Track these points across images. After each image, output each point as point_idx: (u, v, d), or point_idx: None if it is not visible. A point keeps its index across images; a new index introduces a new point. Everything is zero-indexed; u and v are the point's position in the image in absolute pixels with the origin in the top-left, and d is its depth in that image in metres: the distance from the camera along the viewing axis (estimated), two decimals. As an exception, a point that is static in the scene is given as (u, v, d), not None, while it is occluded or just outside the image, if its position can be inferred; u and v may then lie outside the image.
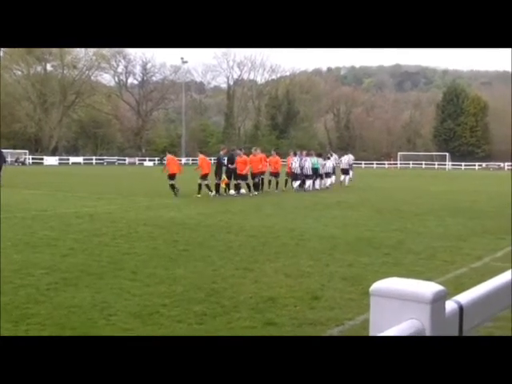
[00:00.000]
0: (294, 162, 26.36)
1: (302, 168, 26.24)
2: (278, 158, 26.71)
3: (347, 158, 31.62)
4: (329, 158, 30.01)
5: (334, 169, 29.35)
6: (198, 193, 21.95)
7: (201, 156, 23.72)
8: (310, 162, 26.62)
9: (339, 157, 33.07)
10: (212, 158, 25.22)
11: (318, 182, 27.63)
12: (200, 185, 22.16)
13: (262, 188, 24.32)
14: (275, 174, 26.04)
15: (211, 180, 22.63)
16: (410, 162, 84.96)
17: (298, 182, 26.22)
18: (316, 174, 27.24)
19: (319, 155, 29.59)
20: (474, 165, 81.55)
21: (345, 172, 31.03)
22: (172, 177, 22.37)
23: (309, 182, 26.65)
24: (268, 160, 25.89)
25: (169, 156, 23.61)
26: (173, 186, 22.04)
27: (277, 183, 25.96)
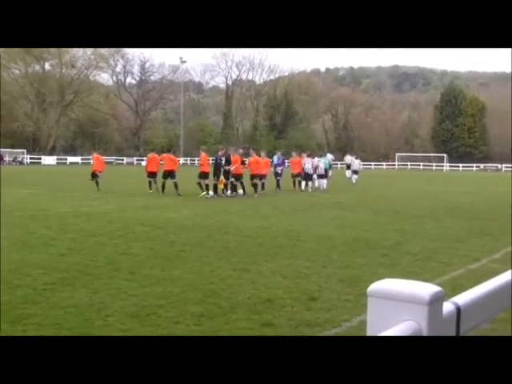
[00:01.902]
0: (308, 163, 27.45)
1: (315, 168, 27.69)
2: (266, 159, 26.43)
3: (358, 161, 37.98)
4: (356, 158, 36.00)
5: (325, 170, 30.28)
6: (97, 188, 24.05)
7: (95, 155, 26.60)
8: (323, 163, 28.40)
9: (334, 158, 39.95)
10: (211, 158, 25.18)
11: (324, 181, 28.63)
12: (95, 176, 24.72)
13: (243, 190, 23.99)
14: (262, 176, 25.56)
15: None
16: (408, 163, 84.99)
17: (310, 183, 27.47)
18: (327, 174, 28.92)
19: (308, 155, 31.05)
20: (472, 166, 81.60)
21: (355, 172, 36.46)
22: (95, 174, 24.82)
23: (323, 182, 28.17)
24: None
25: (95, 154, 26.55)
26: (93, 176, 24.68)
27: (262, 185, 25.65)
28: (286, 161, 29.83)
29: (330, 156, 33.31)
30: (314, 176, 28.35)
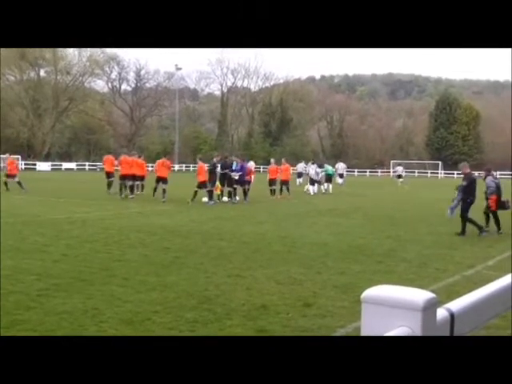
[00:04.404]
0: (312, 169, 29.44)
1: (317, 174, 29.82)
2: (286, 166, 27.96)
3: (343, 165, 42.21)
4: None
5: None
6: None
7: (10, 158, 29.48)
8: (321, 169, 30.76)
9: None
10: (206, 165, 24.77)
11: (328, 185, 31.21)
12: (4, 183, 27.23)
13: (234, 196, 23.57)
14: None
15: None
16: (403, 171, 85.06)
17: (313, 187, 29.24)
18: (329, 179, 31.62)
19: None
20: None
21: (341, 176, 40.21)
22: (10, 176, 27.53)
23: (322, 187, 30.46)
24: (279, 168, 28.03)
25: (9, 158, 29.56)
26: (8, 177, 27.57)
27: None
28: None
29: (315, 166, 32.05)
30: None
